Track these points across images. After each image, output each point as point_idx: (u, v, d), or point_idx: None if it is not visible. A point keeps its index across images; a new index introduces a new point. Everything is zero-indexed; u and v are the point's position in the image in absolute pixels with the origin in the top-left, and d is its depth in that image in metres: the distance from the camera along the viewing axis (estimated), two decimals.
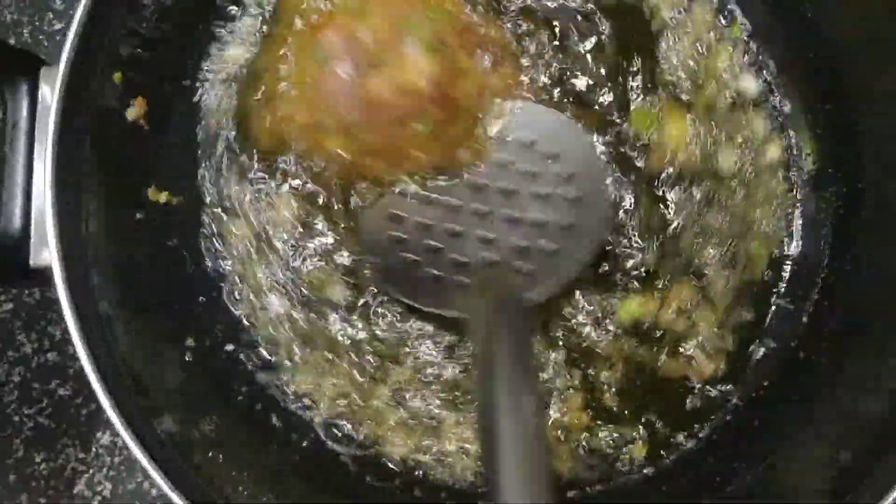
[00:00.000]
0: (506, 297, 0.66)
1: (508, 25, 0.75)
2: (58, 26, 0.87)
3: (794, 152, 0.79)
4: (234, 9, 0.76)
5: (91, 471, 0.79)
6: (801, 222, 0.78)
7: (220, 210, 0.76)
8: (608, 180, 0.72)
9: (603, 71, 0.77)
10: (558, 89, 0.76)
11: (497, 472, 0.54)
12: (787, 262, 0.78)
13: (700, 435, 0.75)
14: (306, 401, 0.74)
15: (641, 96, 0.76)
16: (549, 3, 0.77)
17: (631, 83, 0.77)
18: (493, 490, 0.54)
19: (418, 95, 0.66)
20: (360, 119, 0.67)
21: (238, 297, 0.75)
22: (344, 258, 0.74)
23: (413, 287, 0.71)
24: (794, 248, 0.78)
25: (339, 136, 0.68)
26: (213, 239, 0.76)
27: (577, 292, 0.74)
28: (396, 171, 0.69)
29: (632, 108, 0.76)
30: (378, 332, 0.74)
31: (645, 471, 0.74)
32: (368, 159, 0.69)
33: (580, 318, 0.74)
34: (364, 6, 0.68)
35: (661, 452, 0.74)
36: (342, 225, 0.74)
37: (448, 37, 0.68)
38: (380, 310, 0.74)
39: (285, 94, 0.70)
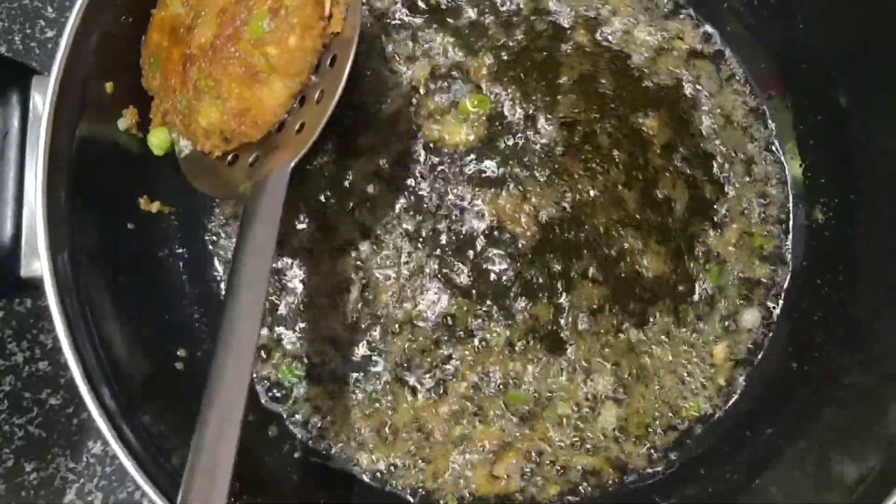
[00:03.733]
0: (270, 173, 0.63)
1: None
2: (49, 34, 0.87)
3: (786, 163, 0.79)
4: None
5: (82, 480, 0.79)
6: (793, 233, 0.78)
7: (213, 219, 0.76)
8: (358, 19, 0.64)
9: None
10: None
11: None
12: (781, 275, 0.78)
13: (690, 448, 0.75)
14: (299, 412, 0.74)
15: None
16: None
17: None
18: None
19: (231, 2, 0.63)
20: (201, 72, 0.64)
21: None
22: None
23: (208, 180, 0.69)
24: (787, 260, 0.78)
25: (200, 107, 0.65)
26: (207, 249, 0.76)
27: None
28: (271, 88, 0.64)
29: None
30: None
31: (635, 485, 0.74)
32: (238, 101, 0.64)
33: None
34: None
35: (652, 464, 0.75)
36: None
37: None
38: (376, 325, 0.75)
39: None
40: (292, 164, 0.63)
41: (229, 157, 0.67)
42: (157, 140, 0.69)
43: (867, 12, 0.70)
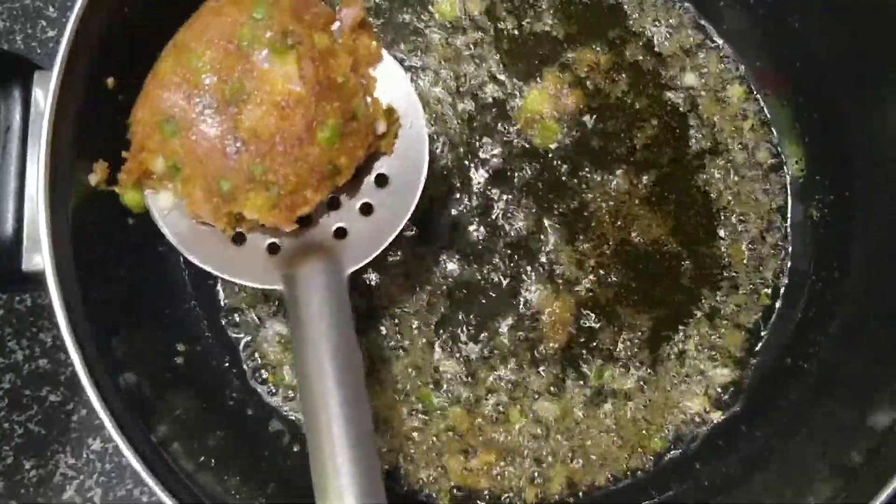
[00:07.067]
0: (323, 266, 0.60)
1: None
2: (50, 33, 0.87)
3: (782, 160, 0.80)
4: None
5: (81, 477, 0.79)
6: (789, 230, 0.79)
7: None
8: (426, 151, 0.64)
9: None
10: None
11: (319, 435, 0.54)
12: (779, 275, 0.79)
13: (688, 443, 0.76)
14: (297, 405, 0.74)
15: None
16: None
17: None
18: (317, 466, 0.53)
19: (302, 102, 0.58)
20: (259, 163, 0.58)
21: (229, 303, 0.76)
22: None
23: (227, 263, 0.64)
24: (781, 256, 0.79)
25: (248, 194, 0.59)
26: None
27: None
28: (327, 190, 0.60)
29: None
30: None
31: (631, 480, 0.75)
32: (292, 197, 0.59)
33: None
34: (184, 44, 0.59)
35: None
36: None
37: (289, 24, 0.58)
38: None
39: (171, 179, 0.61)
40: (350, 270, 0.61)
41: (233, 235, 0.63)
42: (134, 202, 0.62)
43: (862, 10, 0.71)
